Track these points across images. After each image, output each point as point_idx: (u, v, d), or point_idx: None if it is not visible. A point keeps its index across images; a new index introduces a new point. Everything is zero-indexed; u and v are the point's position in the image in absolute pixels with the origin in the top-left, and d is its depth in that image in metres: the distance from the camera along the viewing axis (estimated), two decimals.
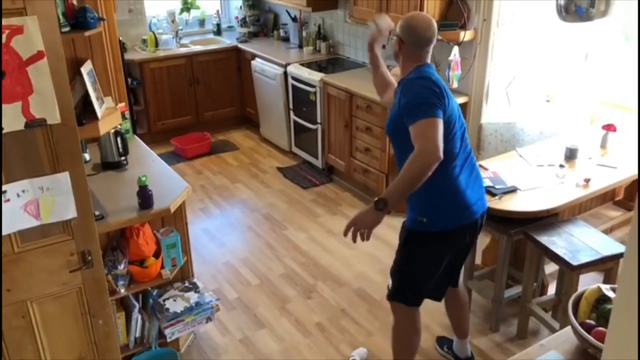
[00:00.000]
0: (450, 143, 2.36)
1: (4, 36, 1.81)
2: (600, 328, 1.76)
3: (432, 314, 3.24)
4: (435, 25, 2.43)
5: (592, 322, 1.82)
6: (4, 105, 1.86)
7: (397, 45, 2.45)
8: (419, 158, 2.20)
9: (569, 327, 1.88)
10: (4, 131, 1.89)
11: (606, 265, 2.88)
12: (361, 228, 2.28)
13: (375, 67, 2.87)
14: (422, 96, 2.29)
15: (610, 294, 1.87)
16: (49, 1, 1.89)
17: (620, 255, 2.81)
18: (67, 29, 2.61)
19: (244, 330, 3.33)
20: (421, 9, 3.98)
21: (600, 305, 1.88)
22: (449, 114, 2.33)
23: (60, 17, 2.53)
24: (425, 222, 2.43)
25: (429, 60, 2.45)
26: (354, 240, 2.30)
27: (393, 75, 4.27)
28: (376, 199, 2.25)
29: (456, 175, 2.43)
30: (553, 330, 2.88)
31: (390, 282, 2.69)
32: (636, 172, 3.29)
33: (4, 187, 1.95)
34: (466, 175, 2.48)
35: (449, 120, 2.34)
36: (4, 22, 1.80)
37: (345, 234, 2.31)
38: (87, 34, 2.75)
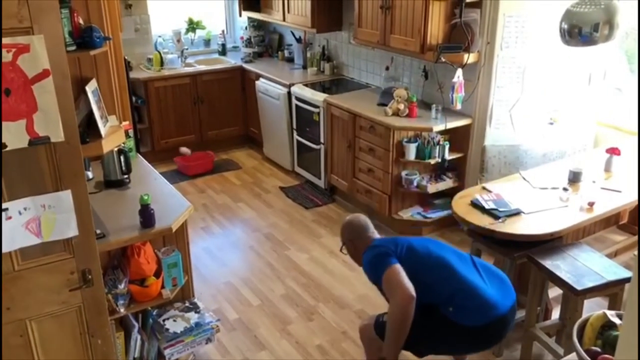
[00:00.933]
0: (428, 255, 2.59)
1: (10, 54, 1.82)
2: (607, 355, 1.73)
3: None
4: (361, 216, 2.85)
5: (598, 349, 1.79)
6: (9, 123, 1.87)
7: (350, 247, 2.77)
8: (394, 310, 2.42)
9: (573, 354, 1.85)
10: (7, 148, 1.90)
11: (611, 290, 2.84)
12: None
13: None
14: (372, 262, 2.58)
15: (616, 321, 1.84)
16: (55, 21, 1.90)
17: (625, 280, 2.78)
18: (73, 48, 2.63)
19: (244, 352, 3.30)
20: (425, 32, 4.03)
21: (606, 331, 1.85)
22: (404, 247, 2.58)
23: (67, 36, 2.56)
24: (451, 311, 2.47)
25: (376, 237, 2.75)
26: None
27: (396, 96, 4.32)
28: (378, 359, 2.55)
29: (463, 276, 2.51)
30: (557, 356, 2.84)
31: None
32: None
33: (5, 205, 1.95)
34: (475, 276, 2.55)
35: (410, 248, 2.59)
36: (11, 40, 1.82)
37: None
38: (92, 53, 2.77)
